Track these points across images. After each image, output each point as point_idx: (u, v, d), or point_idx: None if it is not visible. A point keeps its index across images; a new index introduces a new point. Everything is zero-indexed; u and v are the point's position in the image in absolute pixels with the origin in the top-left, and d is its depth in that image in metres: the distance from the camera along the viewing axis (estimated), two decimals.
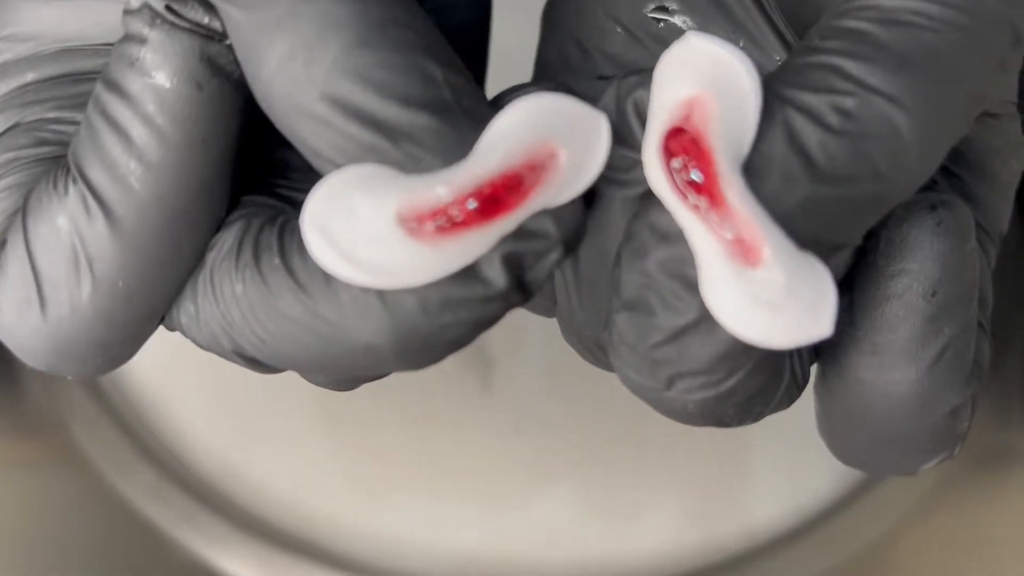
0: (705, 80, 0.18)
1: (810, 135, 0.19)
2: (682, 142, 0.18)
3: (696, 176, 0.18)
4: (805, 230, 0.19)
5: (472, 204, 0.17)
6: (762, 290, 0.18)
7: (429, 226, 0.17)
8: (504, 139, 0.18)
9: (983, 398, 0.43)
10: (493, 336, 0.44)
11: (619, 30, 0.23)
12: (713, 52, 0.19)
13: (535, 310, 0.25)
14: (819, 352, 0.23)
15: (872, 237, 0.22)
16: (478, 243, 0.18)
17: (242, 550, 0.40)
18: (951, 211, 0.22)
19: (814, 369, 0.24)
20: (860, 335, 0.22)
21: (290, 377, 0.43)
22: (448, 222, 0.17)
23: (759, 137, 0.19)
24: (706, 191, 0.18)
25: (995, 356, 0.45)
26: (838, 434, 0.24)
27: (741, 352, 0.20)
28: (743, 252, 0.18)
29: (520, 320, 0.45)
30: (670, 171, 0.18)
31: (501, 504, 0.41)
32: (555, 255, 0.19)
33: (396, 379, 0.44)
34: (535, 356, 0.44)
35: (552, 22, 0.25)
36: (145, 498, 0.41)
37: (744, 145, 0.19)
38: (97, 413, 0.42)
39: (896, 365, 0.22)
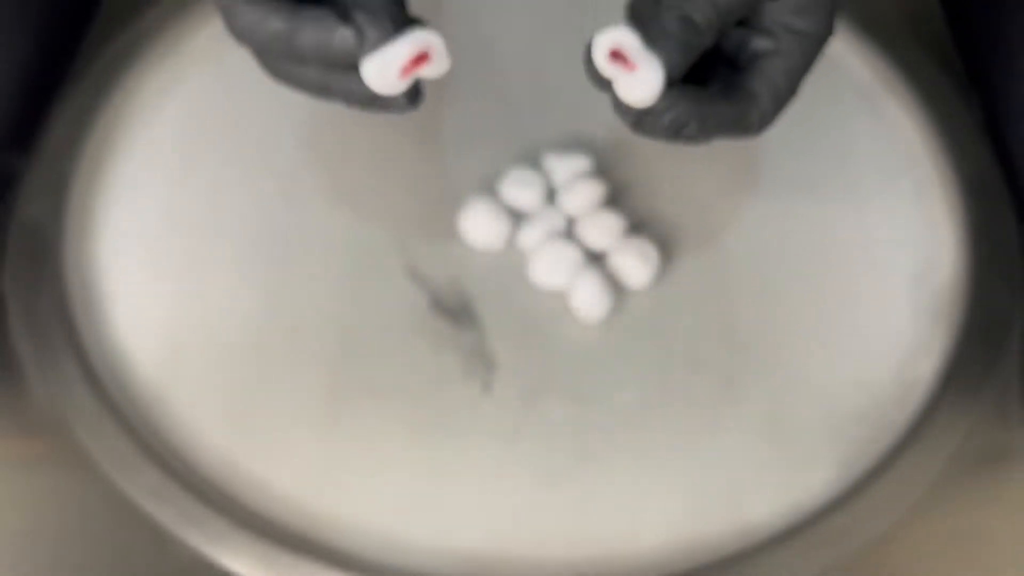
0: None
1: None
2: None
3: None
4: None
5: (412, 57, 0.40)
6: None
7: (403, 69, 0.39)
8: (422, 36, 0.40)
9: (984, 399, 0.44)
10: (494, 338, 0.44)
11: None
12: None
13: None
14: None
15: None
16: (412, 77, 0.40)
17: (245, 548, 0.40)
18: None
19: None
20: None
21: (291, 377, 0.43)
22: (407, 68, 0.39)
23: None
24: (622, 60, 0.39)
25: (995, 356, 0.45)
26: None
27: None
28: (624, 64, 0.39)
29: (520, 323, 0.45)
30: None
31: (501, 504, 0.41)
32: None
33: (398, 380, 0.44)
34: (535, 358, 0.44)
35: None
36: (147, 497, 0.41)
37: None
38: (99, 412, 0.42)
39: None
